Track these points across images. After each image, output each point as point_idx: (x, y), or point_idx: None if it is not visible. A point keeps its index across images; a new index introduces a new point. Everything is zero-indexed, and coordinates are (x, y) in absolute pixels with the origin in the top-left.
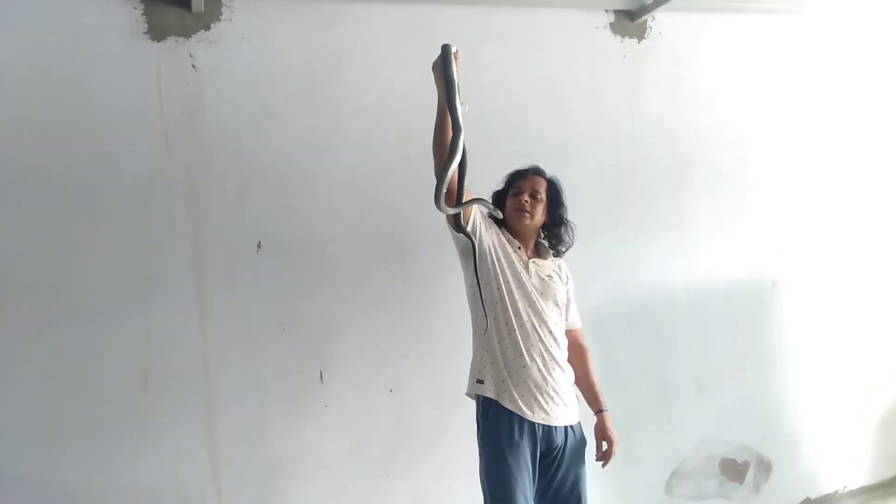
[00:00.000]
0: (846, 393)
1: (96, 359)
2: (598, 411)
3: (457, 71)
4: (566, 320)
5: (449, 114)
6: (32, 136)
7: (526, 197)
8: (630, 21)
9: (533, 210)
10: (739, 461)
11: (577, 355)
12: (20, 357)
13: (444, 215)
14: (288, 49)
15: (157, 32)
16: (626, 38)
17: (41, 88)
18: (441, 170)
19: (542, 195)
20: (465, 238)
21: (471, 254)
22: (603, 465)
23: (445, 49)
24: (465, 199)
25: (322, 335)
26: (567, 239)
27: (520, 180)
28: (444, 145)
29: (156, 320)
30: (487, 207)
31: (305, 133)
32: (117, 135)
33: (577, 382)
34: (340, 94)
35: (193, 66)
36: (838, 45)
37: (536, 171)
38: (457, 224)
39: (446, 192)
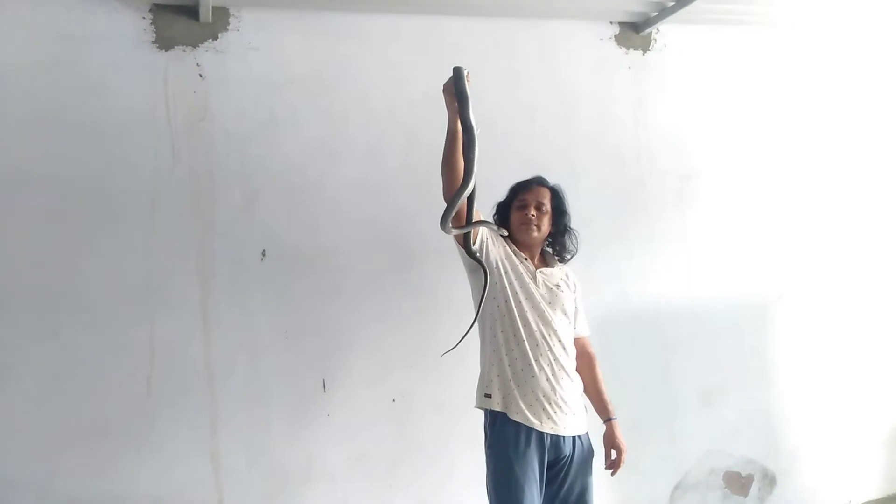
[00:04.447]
0: (851, 407)
1: (100, 365)
2: (607, 420)
3: (469, 92)
4: (574, 328)
5: (463, 131)
6: (40, 142)
7: (532, 210)
8: (635, 33)
9: (539, 222)
10: (743, 474)
11: (586, 364)
12: (24, 362)
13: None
14: (295, 58)
15: (164, 42)
16: (631, 49)
17: (49, 96)
18: (455, 193)
19: (547, 206)
20: (470, 255)
21: (479, 271)
22: (612, 474)
23: (458, 70)
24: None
25: (326, 344)
26: (571, 247)
27: (524, 192)
28: (453, 168)
29: (160, 327)
30: (492, 229)
31: (311, 141)
32: (124, 143)
33: (586, 391)
34: (346, 104)
35: (201, 75)
36: (844, 56)
37: (540, 182)
38: (468, 250)
39: (454, 214)
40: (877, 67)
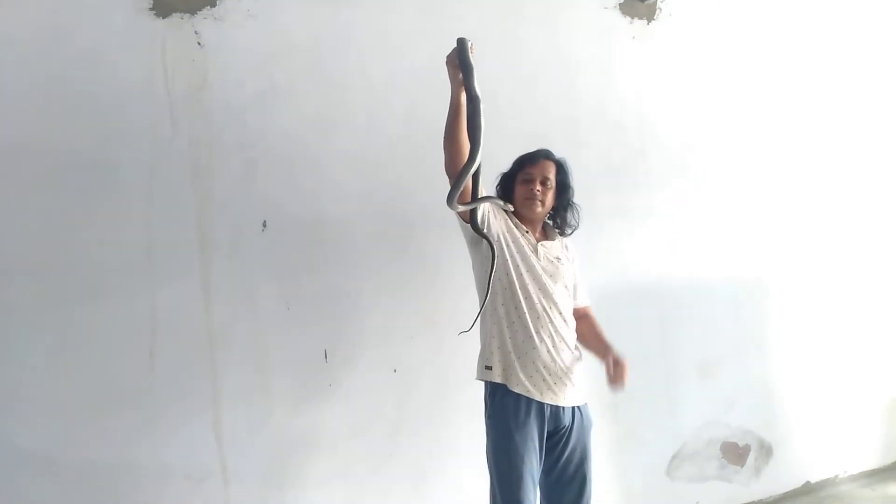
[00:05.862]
0: (849, 378)
1: (102, 336)
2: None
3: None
4: (575, 300)
5: (468, 100)
6: (36, 113)
7: (537, 185)
8: (640, 2)
9: (544, 198)
10: (740, 445)
11: (586, 322)
12: (26, 335)
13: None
14: (294, 26)
15: (162, 9)
16: (636, 19)
17: (45, 64)
18: (462, 170)
19: (552, 181)
20: (477, 232)
21: (481, 244)
22: (618, 387)
23: (462, 42)
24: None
25: (327, 314)
26: (573, 221)
27: (529, 166)
28: (456, 142)
29: (161, 298)
30: (497, 204)
31: (312, 111)
32: (122, 112)
33: (587, 342)
34: (347, 72)
35: (199, 44)
36: (851, 28)
37: (546, 156)
38: (475, 226)
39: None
40: (884, 43)
